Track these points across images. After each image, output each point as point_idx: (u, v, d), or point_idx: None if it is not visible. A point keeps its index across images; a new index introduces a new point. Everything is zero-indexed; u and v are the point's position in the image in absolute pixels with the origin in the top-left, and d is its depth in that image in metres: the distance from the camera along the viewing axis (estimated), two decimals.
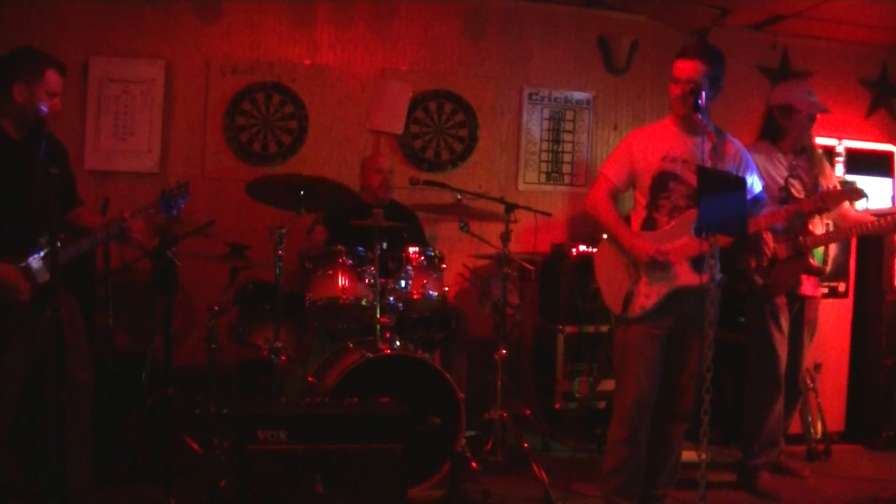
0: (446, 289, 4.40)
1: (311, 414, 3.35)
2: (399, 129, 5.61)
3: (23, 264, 3.07)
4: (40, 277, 3.08)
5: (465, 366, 4.72)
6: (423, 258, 4.31)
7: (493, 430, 4.42)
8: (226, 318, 4.43)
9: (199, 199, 5.09)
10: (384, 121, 5.59)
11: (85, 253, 3.28)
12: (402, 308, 4.25)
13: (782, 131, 4.24)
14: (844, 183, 4.54)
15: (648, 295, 3.46)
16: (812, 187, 4.18)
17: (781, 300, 4.20)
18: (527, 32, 5.82)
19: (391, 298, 4.19)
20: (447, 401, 3.99)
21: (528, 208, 4.92)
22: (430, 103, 5.66)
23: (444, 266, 4.41)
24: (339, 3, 5.49)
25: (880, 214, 4.31)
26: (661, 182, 3.50)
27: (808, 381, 4.76)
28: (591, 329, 5.30)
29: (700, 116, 3.36)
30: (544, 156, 5.90)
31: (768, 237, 4.05)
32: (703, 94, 3.36)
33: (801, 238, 4.11)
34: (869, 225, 4.12)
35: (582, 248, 5.35)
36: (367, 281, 4.16)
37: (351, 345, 4.15)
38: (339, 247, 4.23)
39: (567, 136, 5.95)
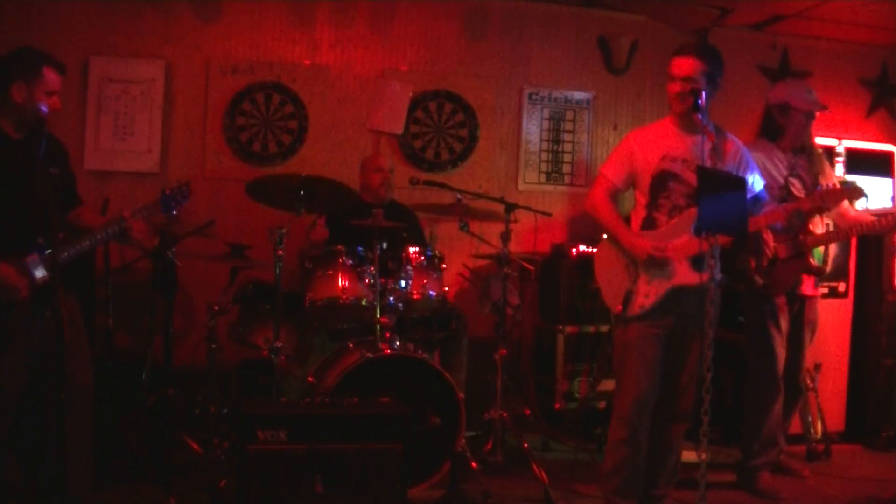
0: (446, 289, 4.40)
1: (311, 414, 3.35)
2: (399, 129, 5.61)
3: (22, 264, 3.06)
4: (40, 277, 3.08)
5: (465, 366, 4.71)
6: (423, 258, 4.30)
7: (493, 430, 4.42)
8: (226, 318, 4.43)
9: (199, 199, 5.09)
10: (384, 121, 5.59)
11: (85, 253, 3.27)
12: (402, 308, 4.25)
13: (781, 130, 4.24)
14: (844, 182, 4.54)
15: (648, 294, 3.46)
16: (812, 186, 4.17)
17: (781, 300, 4.21)
18: (527, 32, 5.82)
19: (391, 298, 4.19)
20: (447, 401, 3.99)
21: (528, 208, 4.93)
22: (430, 103, 5.66)
23: (444, 266, 4.41)
24: (339, 3, 5.48)
25: (880, 214, 4.31)
26: (661, 181, 3.50)
27: (808, 381, 4.75)
28: (591, 329, 5.30)
29: (700, 116, 3.37)
30: (544, 156, 5.90)
31: (768, 237, 4.06)
32: (703, 94, 3.36)
33: (801, 237, 4.12)
34: (869, 224, 4.12)
35: (582, 248, 5.35)
36: (367, 281, 4.16)
37: (351, 345, 4.14)
38: (339, 247, 4.23)
39: (567, 136, 5.94)
